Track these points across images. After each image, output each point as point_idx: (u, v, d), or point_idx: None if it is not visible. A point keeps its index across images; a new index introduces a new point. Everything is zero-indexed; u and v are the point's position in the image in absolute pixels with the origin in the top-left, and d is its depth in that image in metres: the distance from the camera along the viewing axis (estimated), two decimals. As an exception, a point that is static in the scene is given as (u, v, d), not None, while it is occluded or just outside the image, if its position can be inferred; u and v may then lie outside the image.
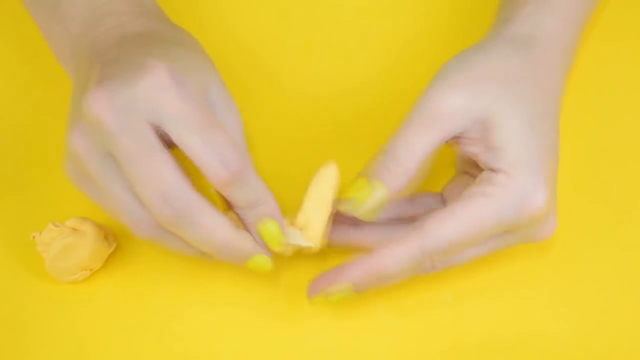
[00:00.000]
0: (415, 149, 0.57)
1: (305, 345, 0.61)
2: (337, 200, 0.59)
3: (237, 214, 0.59)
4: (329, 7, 0.74)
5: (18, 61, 0.68)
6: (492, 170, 0.57)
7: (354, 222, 0.61)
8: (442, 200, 0.62)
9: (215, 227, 0.56)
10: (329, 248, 0.61)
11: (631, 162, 0.67)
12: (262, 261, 0.58)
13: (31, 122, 0.68)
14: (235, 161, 0.55)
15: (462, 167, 0.63)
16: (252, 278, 0.63)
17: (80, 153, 0.56)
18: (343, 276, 0.57)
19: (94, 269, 0.63)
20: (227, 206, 0.59)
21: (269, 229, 0.58)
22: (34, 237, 0.62)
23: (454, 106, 0.57)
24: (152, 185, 0.55)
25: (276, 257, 0.59)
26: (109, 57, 0.58)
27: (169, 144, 0.56)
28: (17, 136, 0.68)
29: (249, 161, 0.57)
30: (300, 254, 0.61)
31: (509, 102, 0.58)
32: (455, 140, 0.58)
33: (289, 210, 0.60)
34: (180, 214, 0.55)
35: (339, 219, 0.60)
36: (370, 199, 0.57)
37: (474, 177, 0.61)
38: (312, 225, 0.59)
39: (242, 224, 0.59)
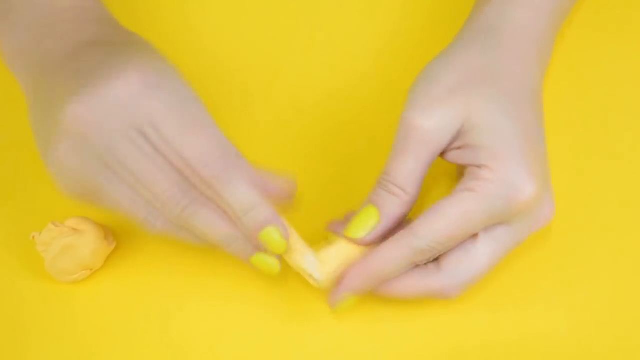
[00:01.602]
0: (410, 175, 0.59)
1: (305, 346, 0.61)
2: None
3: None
4: (327, 8, 0.74)
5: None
6: (475, 166, 0.58)
7: None
8: None
9: (221, 219, 0.57)
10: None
11: (633, 161, 0.67)
12: (267, 259, 0.58)
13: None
14: (219, 161, 0.56)
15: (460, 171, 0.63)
16: (253, 278, 0.63)
17: (75, 170, 0.57)
18: (342, 287, 0.59)
19: (94, 269, 0.63)
20: None
21: (271, 234, 0.58)
22: (33, 237, 0.62)
23: (435, 126, 0.58)
24: (156, 189, 0.56)
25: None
26: (70, 68, 0.58)
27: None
28: (17, 136, 0.68)
29: (235, 163, 0.56)
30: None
31: (481, 100, 0.58)
32: (440, 154, 0.60)
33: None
34: (187, 211, 0.56)
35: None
36: (374, 230, 0.59)
37: None
38: (330, 263, 0.59)
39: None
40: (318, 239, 0.62)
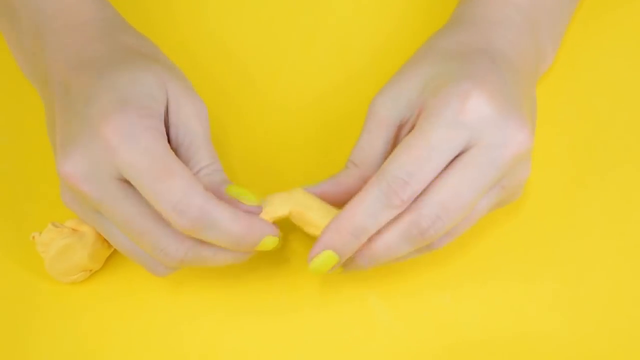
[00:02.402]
0: (365, 151, 0.59)
1: (303, 345, 0.62)
2: None
3: None
4: (327, 6, 0.74)
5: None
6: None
7: None
8: None
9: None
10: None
11: (632, 160, 0.67)
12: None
13: (31, 122, 0.68)
14: (194, 208, 0.54)
15: None
16: (253, 279, 0.63)
17: (80, 216, 0.59)
18: (320, 244, 0.57)
19: (93, 270, 0.63)
20: None
21: (268, 246, 0.58)
22: (33, 237, 0.62)
23: (384, 100, 0.59)
24: (150, 240, 0.56)
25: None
26: (63, 95, 0.58)
27: None
28: (17, 136, 0.68)
29: (212, 202, 0.55)
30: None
31: (441, 67, 0.58)
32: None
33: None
34: (188, 256, 0.57)
35: None
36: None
37: None
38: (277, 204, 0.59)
39: None
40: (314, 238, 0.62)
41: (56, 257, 0.62)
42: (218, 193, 0.57)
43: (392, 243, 0.57)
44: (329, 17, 0.74)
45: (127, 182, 0.56)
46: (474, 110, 0.56)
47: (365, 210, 0.56)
